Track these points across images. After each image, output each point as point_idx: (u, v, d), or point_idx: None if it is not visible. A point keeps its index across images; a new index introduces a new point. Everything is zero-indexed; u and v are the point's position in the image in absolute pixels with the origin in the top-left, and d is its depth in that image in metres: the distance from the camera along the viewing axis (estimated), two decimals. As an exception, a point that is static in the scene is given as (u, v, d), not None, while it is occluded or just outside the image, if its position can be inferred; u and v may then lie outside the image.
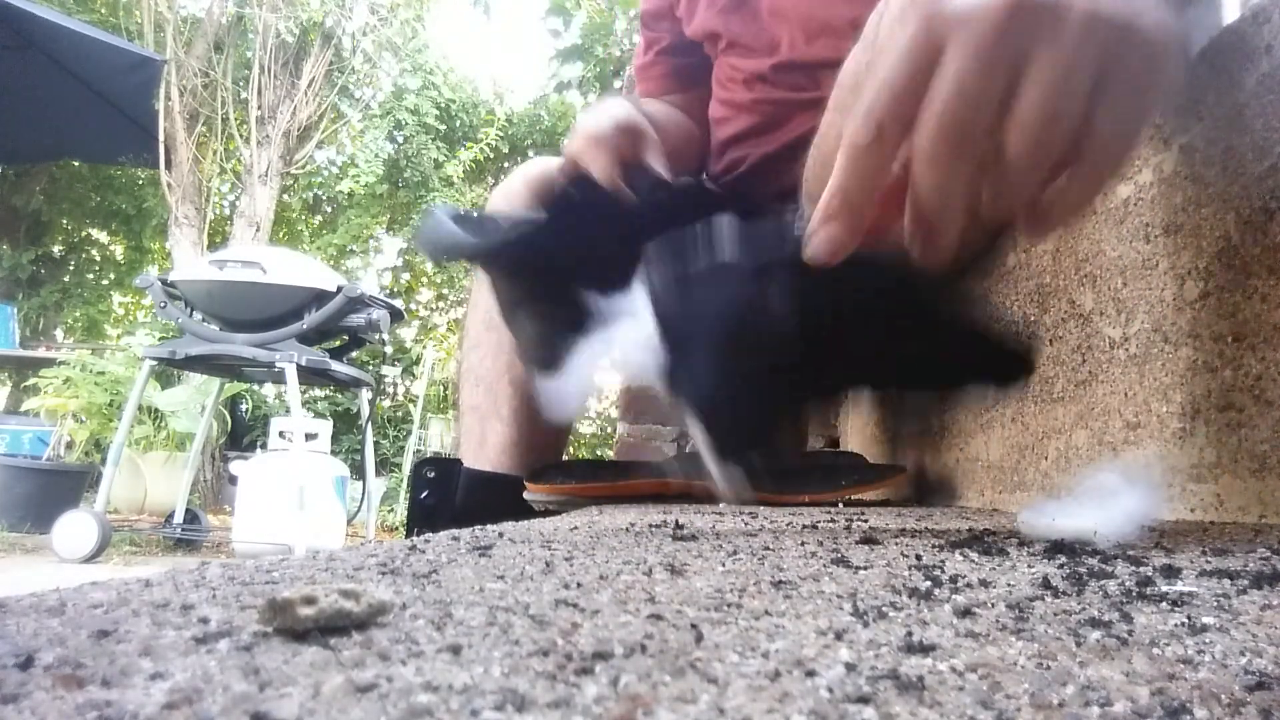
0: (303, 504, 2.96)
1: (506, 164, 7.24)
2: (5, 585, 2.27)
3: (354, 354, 3.51)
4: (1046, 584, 0.31)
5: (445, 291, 8.22)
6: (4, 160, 6.66)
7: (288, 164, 6.63)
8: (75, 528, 2.97)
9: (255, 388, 5.26)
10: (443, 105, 7.10)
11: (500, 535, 0.50)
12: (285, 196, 7.32)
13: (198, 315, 3.08)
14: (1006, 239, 0.62)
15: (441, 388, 6.43)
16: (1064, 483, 0.72)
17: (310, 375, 3.14)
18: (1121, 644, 0.23)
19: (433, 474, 1.06)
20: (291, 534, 2.90)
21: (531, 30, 17.89)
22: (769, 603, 0.28)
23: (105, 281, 8.45)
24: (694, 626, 0.24)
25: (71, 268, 8.36)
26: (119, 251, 8.54)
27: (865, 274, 0.52)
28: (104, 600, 0.28)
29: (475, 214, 0.95)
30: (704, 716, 0.17)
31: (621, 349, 0.58)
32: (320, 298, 3.04)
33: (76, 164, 7.41)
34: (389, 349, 4.94)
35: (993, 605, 0.28)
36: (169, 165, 5.93)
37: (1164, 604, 0.28)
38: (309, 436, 3.32)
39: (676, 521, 0.65)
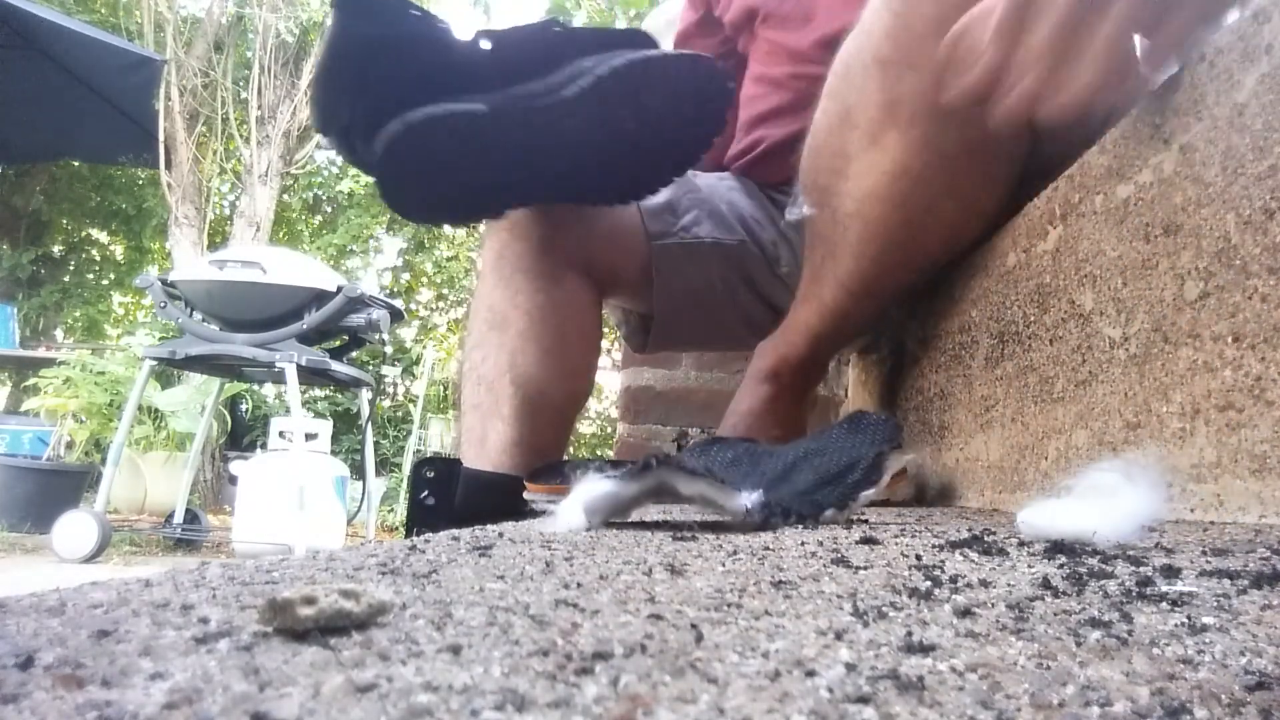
0: (303, 504, 2.96)
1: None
2: (5, 585, 2.27)
3: (354, 354, 3.51)
4: (1046, 584, 0.31)
5: (445, 292, 8.22)
6: (4, 160, 6.66)
7: (288, 164, 6.63)
8: (75, 528, 2.97)
9: (255, 388, 5.26)
10: (443, 105, 7.10)
11: (500, 535, 0.50)
12: (285, 196, 7.32)
13: (198, 315, 3.08)
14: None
15: (441, 388, 6.43)
16: (1064, 483, 0.72)
17: (310, 375, 3.14)
18: (1121, 644, 0.23)
19: (432, 474, 1.05)
20: (291, 534, 2.91)
21: (531, 30, 17.85)
22: (769, 603, 0.28)
23: (105, 281, 8.45)
24: (694, 626, 0.24)
25: (71, 268, 8.36)
26: (119, 251, 8.54)
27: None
28: (104, 600, 0.28)
29: None
30: (704, 716, 0.17)
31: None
32: (320, 298, 3.04)
33: (76, 164, 7.41)
34: (389, 349, 4.94)
35: (993, 605, 0.28)
36: (169, 165, 5.93)
37: (1164, 604, 0.28)
38: (309, 436, 3.32)
39: (676, 522, 0.65)
